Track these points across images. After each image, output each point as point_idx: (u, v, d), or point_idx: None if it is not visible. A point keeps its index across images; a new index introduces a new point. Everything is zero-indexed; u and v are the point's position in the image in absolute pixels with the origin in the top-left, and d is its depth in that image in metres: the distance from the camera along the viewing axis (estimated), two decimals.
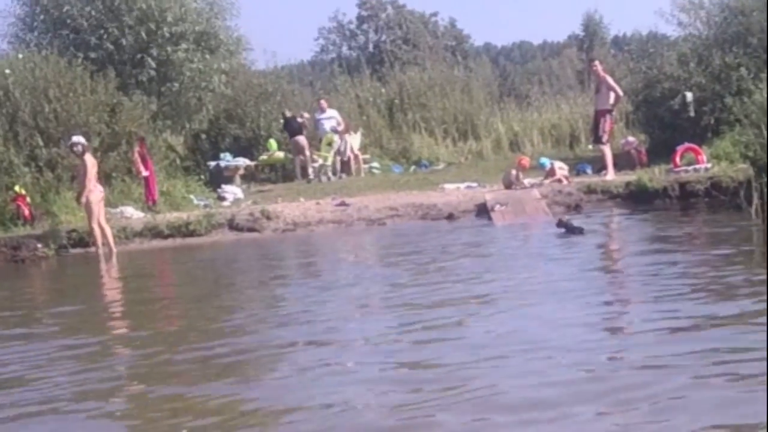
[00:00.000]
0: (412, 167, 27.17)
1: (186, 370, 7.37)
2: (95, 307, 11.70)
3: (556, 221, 14.69)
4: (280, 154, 26.37)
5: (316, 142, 25.94)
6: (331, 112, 26.39)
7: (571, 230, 14.00)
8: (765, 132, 13.91)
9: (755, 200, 13.49)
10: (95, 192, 17.44)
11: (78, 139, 18.10)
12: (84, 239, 17.65)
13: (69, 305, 11.83)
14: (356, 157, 26.14)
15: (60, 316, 10.96)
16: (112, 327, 10.13)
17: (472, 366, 6.65)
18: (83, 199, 17.33)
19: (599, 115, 19.51)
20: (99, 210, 17.41)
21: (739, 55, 21.94)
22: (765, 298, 7.01)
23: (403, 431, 5.51)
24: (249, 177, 25.82)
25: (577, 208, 17.73)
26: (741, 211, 13.84)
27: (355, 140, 26.43)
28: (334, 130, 25.69)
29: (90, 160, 17.75)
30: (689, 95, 22.22)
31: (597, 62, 20.58)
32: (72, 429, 6.22)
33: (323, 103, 26.89)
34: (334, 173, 25.28)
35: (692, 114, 22.11)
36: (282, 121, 26.32)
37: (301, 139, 25.54)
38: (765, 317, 6.64)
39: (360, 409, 5.96)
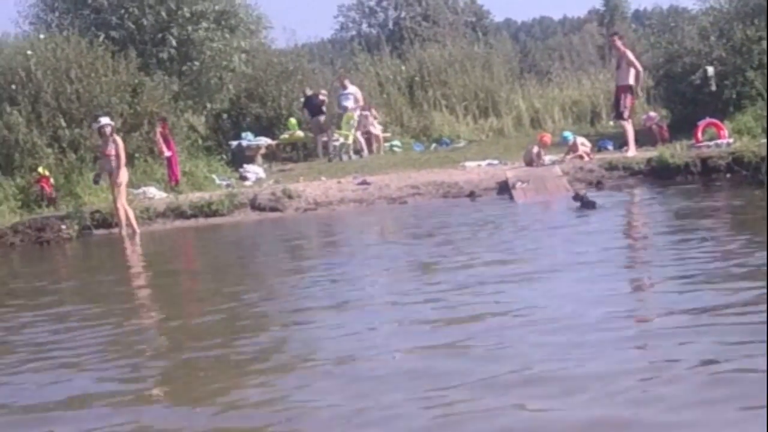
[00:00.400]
0: (433, 145, 27.16)
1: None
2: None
3: (573, 195, 15.07)
4: (301, 133, 26.41)
5: (337, 120, 25.95)
6: (352, 89, 26.35)
7: (585, 204, 14.32)
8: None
9: None
10: (126, 173, 17.61)
11: (106, 120, 18.21)
12: (107, 220, 17.79)
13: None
14: (377, 136, 26.14)
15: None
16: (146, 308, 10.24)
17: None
18: (119, 180, 17.41)
19: (620, 91, 19.42)
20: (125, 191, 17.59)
21: (761, 28, 21.76)
22: (765, 299, 7.00)
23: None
24: (270, 156, 25.87)
25: (598, 184, 17.71)
26: (762, 186, 13.79)
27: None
28: (354, 108, 25.70)
29: (120, 142, 17.89)
30: (710, 69, 22.08)
31: (617, 37, 20.48)
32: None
33: (345, 80, 26.86)
34: (356, 152, 25.30)
35: (714, 88, 21.97)
36: (303, 99, 26.36)
37: (322, 118, 25.59)
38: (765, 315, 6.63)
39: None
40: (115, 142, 17.70)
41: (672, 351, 6.18)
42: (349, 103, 25.75)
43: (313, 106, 25.78)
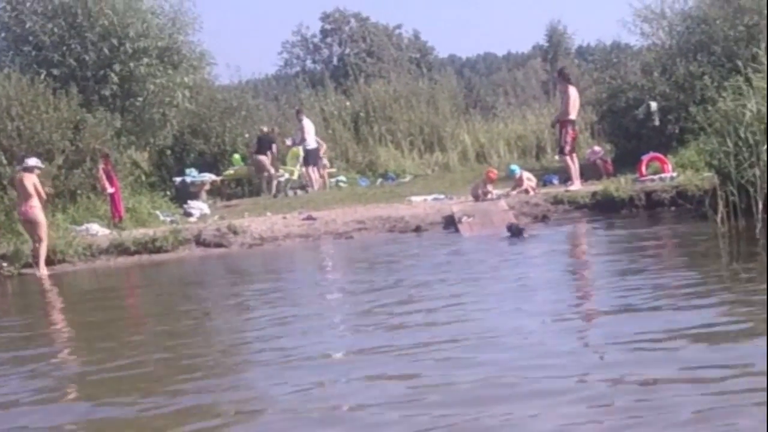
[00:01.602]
0: (379, 180, 27.18)
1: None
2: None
3: (507, 225, 15.81)
4: (245, 169, 26.27)
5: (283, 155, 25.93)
6: (306, 123, 26.25)
7: (514, 233, 15.24)
8: (729, 141, 13.97)
9: (721, 208, 13.55)
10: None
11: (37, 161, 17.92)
12: (50, 257, 17.44)
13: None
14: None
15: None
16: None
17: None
18: (40, 216, 17.14)
19: (561, 126, 19.61)
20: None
21: (703, 64, 22.08)
22: (765, 303, 7.02)
23: None
24: (215, 192, 25.71)
25: (544, 218, 17.78)
26: (707, 220, 13.90)
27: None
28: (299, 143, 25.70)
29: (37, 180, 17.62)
30: (653, 104, 22.34)
31: (559, 74, 20.76)
32: None
33: (302, 114, 26.77)
34: (301, 187, 25.22)
35: (657, 123, 22.24)
36: (258, 135, 26.36)
37: (263, 158, 25.53)
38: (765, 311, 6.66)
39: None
40: (33, 180, 17.39)
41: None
42: (308, 138, 25.68)
43: (265, 143, 25.72)
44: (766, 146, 13.44)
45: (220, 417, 6.28)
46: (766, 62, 14.82)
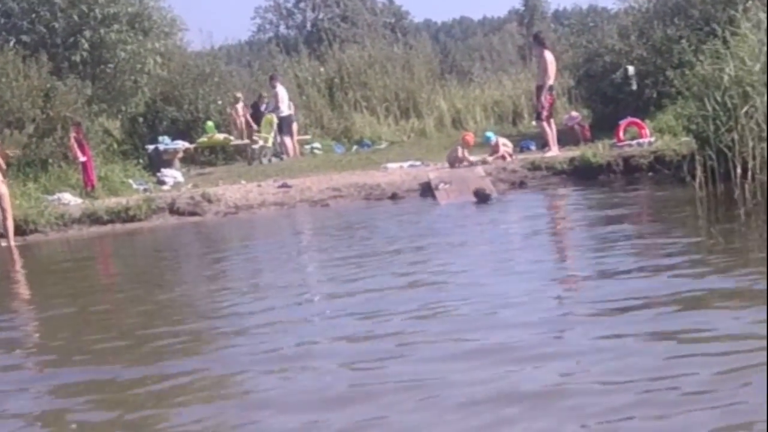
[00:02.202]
0: (354, 147, 26.99)
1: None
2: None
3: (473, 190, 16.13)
4: (220, 137, 26.02)
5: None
6: (279, 90, 26.07)
7: (481, 199, 15.72)
8: (708, 106, 13.87)
9: (699, 173, 13.45)
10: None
11: None
12: (22, 227, 17.17)
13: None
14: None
15: None
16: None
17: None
18: (3, 188, 16.79)
19: (537, 91, 19.52)
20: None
21: (681, 28, 21.89)
22: (765, 301, 6.92)
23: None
24: (188, 160, 25.46)
25: (521, 184, 17.67)
26: (685, 185, 13.82)
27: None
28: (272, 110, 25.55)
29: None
30: (631, 69, 22.20)
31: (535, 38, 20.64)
32: None
33: (275, 81, 26.59)
34: (276, 155, 25.04)
35: (634, 87, 22.10)
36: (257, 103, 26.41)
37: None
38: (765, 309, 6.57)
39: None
40: None
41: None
42: (282, 105, 25.55)
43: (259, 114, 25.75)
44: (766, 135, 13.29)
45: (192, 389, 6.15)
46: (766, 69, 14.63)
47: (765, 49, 13.67)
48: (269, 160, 24.53)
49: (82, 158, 20.20)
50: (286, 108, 25.58)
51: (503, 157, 19.24)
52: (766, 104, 13.00)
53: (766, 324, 6.24)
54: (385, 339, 6.89)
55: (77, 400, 6.22)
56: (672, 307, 7.00)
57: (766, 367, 5.39)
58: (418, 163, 21.02)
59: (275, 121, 25.17)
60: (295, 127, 26.13)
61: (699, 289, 7.58)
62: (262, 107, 26.52)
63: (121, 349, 7.54)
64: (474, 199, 15.96)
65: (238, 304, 8.96)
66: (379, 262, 10.71)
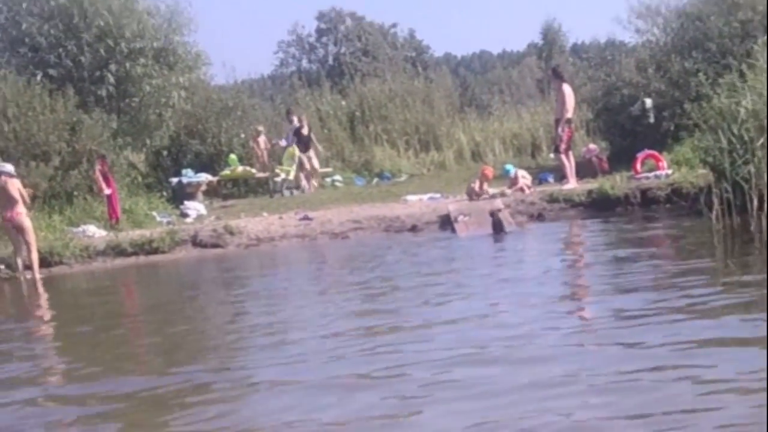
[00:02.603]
0: (375, 179, 27.21)
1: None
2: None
3: (490, 212, 16.53)
4: (242, 169, 26.30)
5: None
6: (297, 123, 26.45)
7: (496, 226, 16.05)
8: (724, 138, 14.00)
9: (716, 205, 13.58)
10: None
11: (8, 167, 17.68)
12: (47, 259, 17.42)
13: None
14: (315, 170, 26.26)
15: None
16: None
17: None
18: (27, 222, 17.01)
19: (557, 124, 19.74)
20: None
21: (698, 61, 22.09)
22: (765, 304, 7.04)
23: None
24: (211, 193, 25.72)
25: (540, 216, 17.83)
26: (702, 217, 13.92)
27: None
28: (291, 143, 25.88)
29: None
30: (648, 101, 22.39)
31: (554, 72, 20.79)
32: None
33: (292, 114, 26.97)
34: (297, 187, 25.28)
35: (652, 120, 22.29)
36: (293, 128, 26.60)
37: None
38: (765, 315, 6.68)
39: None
40: (16, 184, 17.23)
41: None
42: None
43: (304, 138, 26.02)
44: (765, 142, 13.43)
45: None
46: (766, 58, 14.81)
47: None
48: (291, 193, 24.76)
49: (107, 191, 20.47)
50: None
51: (522, 190, 19.40)
52: None
53: (766, 327, 6.35)
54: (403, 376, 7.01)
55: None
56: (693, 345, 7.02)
57: (766, 369, 5.51)
58: (437, 195, 21.21)
59: (297, 153, 25.43)
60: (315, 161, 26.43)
61: (714, 327, 7.49)
62: (282, 142, 26.81)
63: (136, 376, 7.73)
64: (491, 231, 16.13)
65: (253, 336, 9.11)
66: (403, 293, 10.85)
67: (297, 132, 26.39)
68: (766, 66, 14.43)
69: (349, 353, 7.73)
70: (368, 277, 12.68)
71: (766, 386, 5.23)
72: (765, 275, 8.38)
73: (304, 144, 26.12)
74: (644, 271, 10.77)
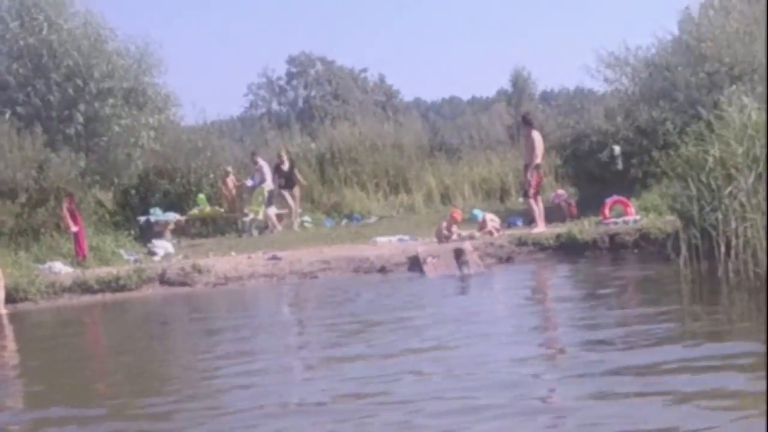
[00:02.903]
0: (344, 220, 27.21)
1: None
2: None
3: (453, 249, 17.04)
4: (211, 209, 26.25)
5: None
6: (262, 164, 26.45)
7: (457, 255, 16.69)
8: (692, 186, 14.13)
9: (683, 251, 13.66)
10: None
11: None
12: (13, 295, 17.23)
13: None
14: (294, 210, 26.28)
15: None
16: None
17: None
18: None
19: (525, 169, 19.87)
20: None
21: (665, 110, 22.33)
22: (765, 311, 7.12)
23: None
24: (179, 231, 25.61)
25: (509, 259, 17.87)
26: (669, 262, 14.03)
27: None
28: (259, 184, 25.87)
29: None
30: (617, 149, 22.58)
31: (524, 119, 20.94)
32: None
33: (257, 156, 26.98)
34: (265, 227, 25.23)
35: (620, 167, 22.46)
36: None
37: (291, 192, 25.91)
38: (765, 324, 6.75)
39: None
40: None
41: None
42: (267, 178, 25.85)
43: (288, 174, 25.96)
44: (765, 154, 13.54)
45: None
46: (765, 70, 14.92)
47: (748, 132, 13.99)
48: (259, 232, 24.73)
49: (74, 228, 20.33)
50: (270, 182, 25.89)
51: (491, 233, 19.46)
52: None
53: (765, 333, 6.42)
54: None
55: None
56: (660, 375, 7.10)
57: (765, 375, 5.55)
58: (406, 237, 21.20)
59: (265, 194, 25.42)
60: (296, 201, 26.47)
61: (683, 358, 7.67)
62: (248, 182, 26.75)
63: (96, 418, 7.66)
64: (462, 273, 16.21)
65: (221, 374, 9.10)
66: (367, 335, 10.85)
67: (277, 168, 26.33)
68: (766, 71, 14.52)
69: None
70: (333, 315, 12.70)
71: (766, 386, 5.27)
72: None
73: (286, 179, 26.07)
74: (608, 312, 10.86)
